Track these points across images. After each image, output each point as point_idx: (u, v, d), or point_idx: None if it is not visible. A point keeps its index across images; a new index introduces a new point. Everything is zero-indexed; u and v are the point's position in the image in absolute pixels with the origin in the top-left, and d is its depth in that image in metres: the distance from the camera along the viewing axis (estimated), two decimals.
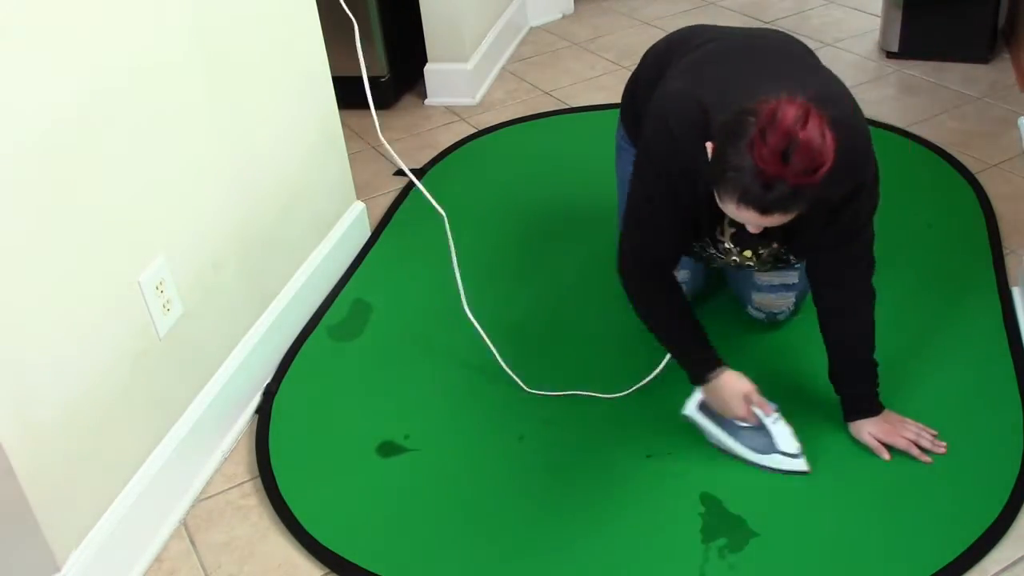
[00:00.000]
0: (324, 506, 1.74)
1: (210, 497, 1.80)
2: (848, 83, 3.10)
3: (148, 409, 1.68)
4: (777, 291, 1.98)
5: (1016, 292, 2.05)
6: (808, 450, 1.72)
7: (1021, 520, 1.60)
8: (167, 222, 1.70)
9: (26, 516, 1.43)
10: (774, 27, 3.55)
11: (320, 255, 2.25)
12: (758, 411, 1.69)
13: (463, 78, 3.16)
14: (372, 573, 1.61)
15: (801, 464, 1.69)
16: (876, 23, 3.41)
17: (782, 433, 1.69)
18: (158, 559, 1.68)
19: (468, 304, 1.99)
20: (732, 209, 1.44)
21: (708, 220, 1.69)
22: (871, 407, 1.75)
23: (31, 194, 1.38)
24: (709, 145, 1.48)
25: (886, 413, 1.75)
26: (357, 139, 2.96)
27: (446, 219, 1.89)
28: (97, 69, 1.50)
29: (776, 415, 1.69)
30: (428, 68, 3.19)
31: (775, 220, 1.44)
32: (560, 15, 3.84)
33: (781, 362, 1.96)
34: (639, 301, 1.78)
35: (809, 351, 1.97)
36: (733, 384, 1.71)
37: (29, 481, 1.41)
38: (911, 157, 2.63)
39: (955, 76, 3.05)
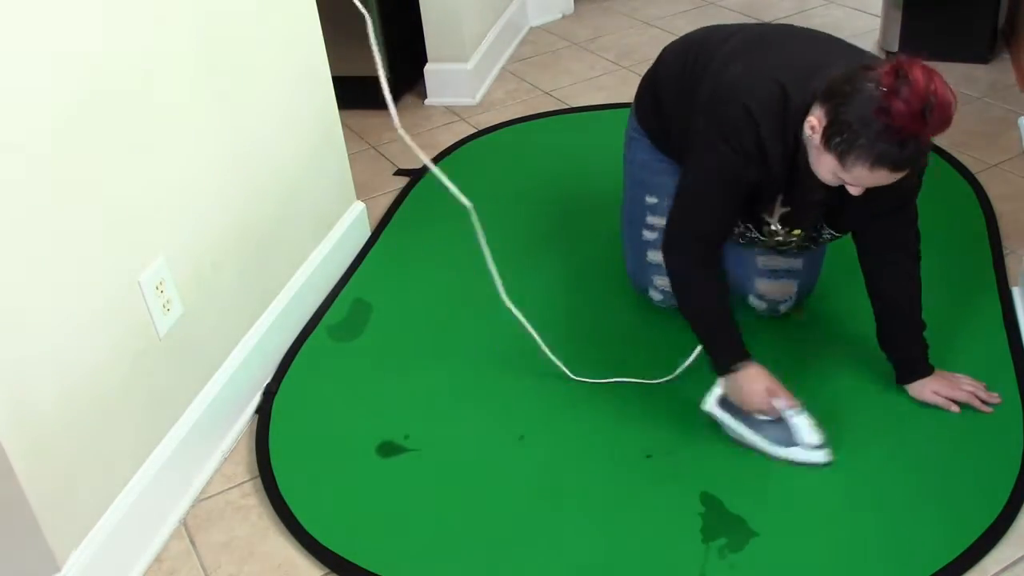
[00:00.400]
0: (324, 506, 1.74)
1: (210, 497, 1.80)
2: None
3: (148, 409, 1.68)
4: (781, 278, 1.98)
5: (1016, 292, 2.05)
6: None
7: (1021, 520, 1.60)
8: (167, 222, 1.70)
9: (26, 516, 1.43)
10: None
11: (320, 255, 2.25)
12: (779, 404, 1.70)
13: (463, 78, 3.16)
14: (372, 573, 1.61)
15: (823, 456, 1.70)
16: (876, 23, 3.41)
17: (804, 425, 1.69)
18: (158, 559, 1.68)
19: (468, 302, 1.98)
20: (863, 172, 1.48)
21: (767, 199, 1.73)
22: (926, 367, 1.79)
23: (31, 194, 1.38)
24: (813, 118, 1.52)
25: (938, 371, 1.80)
26: (357, 139, 2.96)
27: (473, 210, 1.87)
28: (97, 70, 1.50)
29: (799, 408, 1.70)
30: (428, 68, 3.19)
31: (898, 177, 1.49)
32: (560, 15, 3.84)
33: (783, 359, 1.96)
34: (681, 281, 1.79)
35: (811, 347, 1.98)
36: (757, 377, 1.72)
37: (29, 481, 1.41)
38: None
39: (955, 76, 3.05)
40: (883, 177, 1.48)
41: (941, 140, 2.68)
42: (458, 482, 1.76)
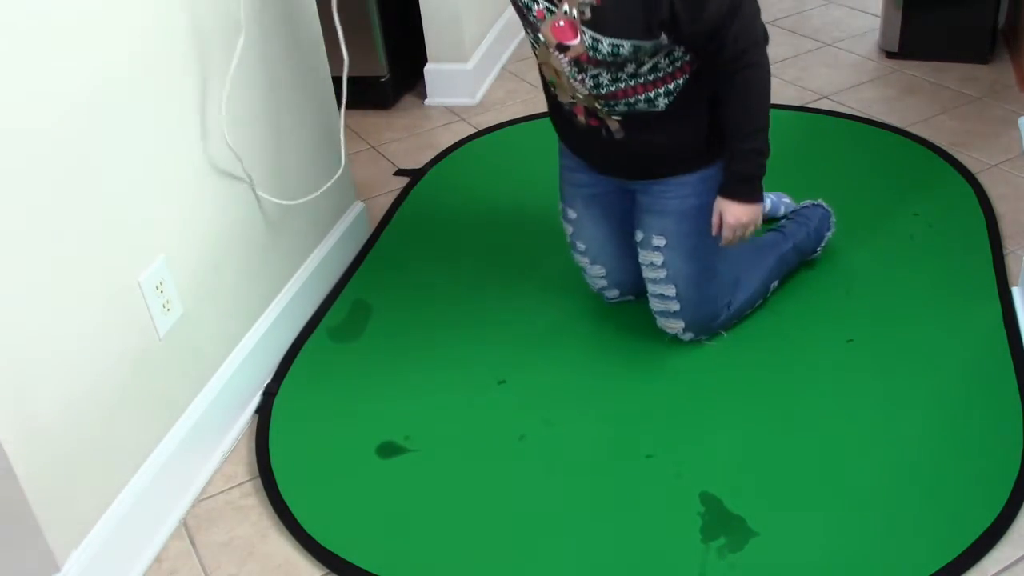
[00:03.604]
0: (324, 506, 1.74)
1: (210, 497, 1.80)
2: (848, 83, 3.09)
3: (148, 409, 1.68)
4: (665, 316, 1.98)
5: (1016, 292, 2.05)
6: (806, 449, 1.72)
7: (1021, 520, 1.60)
8: (167, 222, 1.70)
9: (26, 516, 1.43)
10: (774, 27, 3.56)
11: (320, 255, 2.25)
12: None
13: (463, 78, 3.16)
14: (372, 573, 1.61)
15: None
16: (876, 23, 3.41)
17: None
18: (158, 559, 1.68)
19: (468, 302, 1.98)
20: None
21: None
22: (747, 191, 1.81)
23: (31, 194, 1.39)
24: None
25: (757, 206, 1.82)
26: (357, 139, 2.96)
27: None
28: (97, 70, 1.50)
29: None
30: (428, 68, 3.19)
31: None
32: None
33: (782, 358, 1.96)
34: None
35: (808, 346, 1.98)
36: None
37: (29, 481, 1.41)
38: (911, 157, 2.63)
39: (955, 76, 3.05)
40: None
41: (941, 140, 2.69)
42: (458, 482, 1.76)
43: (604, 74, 1.74)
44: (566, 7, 1.69)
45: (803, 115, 2.88)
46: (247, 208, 1.94)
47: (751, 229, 1.85)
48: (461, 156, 2.85)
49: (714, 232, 1.86)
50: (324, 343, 2.14)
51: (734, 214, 1.83)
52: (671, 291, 1.94)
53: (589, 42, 1.70)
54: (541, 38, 1.77)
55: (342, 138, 2.16)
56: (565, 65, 1.77)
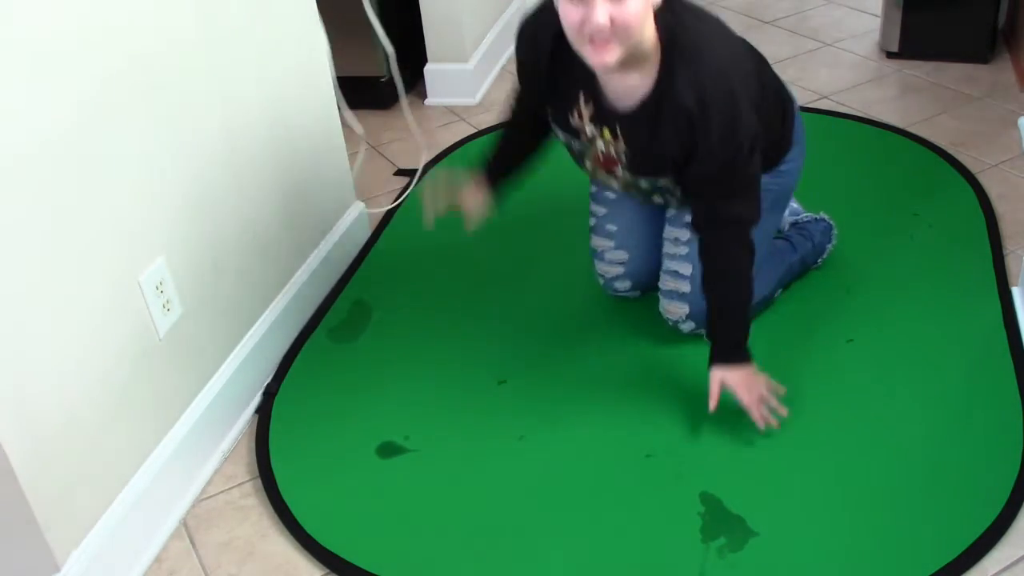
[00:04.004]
0: (324, 506, 1.74)
1: (210, 497, 1.80)
2: (848, 83, 3.08)
3: (148, 409, 1.68)
4: (671, 298, 1.98)
5: (1016, 292, 2.05)
6: (806, 449, 1.72)
7: (1021, 520, 1.60)
8: (167, 222, 1.70)
9: (26, 516, 1.43)
10: (774, 27, 3.56)
11: (320, 255, 2.25)
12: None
13: (463, 78, 3.16)
14: (372, 573, 1.61)
15: None
16: (876, 23, 3.41)
17: None
18: (158, 559, 1.68)
19: (468, 302, 1.98)
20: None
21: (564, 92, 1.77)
22: (736, 357, 1.79)
23: (31, 195, 1.38)
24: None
25: (750, 367, 1.79)
26: (357, 139, 2.96)
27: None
28: (97, 70, 1.50)
29: None
30: (428, 68, 3.19)
31: None
32: None
33: (781, 358, 1.96)
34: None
35: (808, 346, 1.98)
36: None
37: (29, 481, 1.41)
38: (911, 157, 2.63)
39: (955, 76, 3.05)
40: None
41: (941, 140, 2.69)
42: (458, 482, 1.76)
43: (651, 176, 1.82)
44: (601, 145, 1.78)
45: (803, 115, 2.86)
46: (247, 208, 1.94)
47: (764, 384, 1.78)
48: (461, 156, 2.85)
49: (712, 406, 1.77)
50: (324, 343, 2.14)
51: (741, 381, 1.77)
52: (687, 270, 1.93)
53: (629, 178, 1.83)
54: (588, 164, 1.88)
55: (357, 136, 2.16)
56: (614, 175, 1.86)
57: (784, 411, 1.77)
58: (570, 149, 1.88)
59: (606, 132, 1.76)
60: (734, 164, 1.68)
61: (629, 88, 1.68)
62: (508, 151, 2.00)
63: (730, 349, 1.78)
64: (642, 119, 1.68)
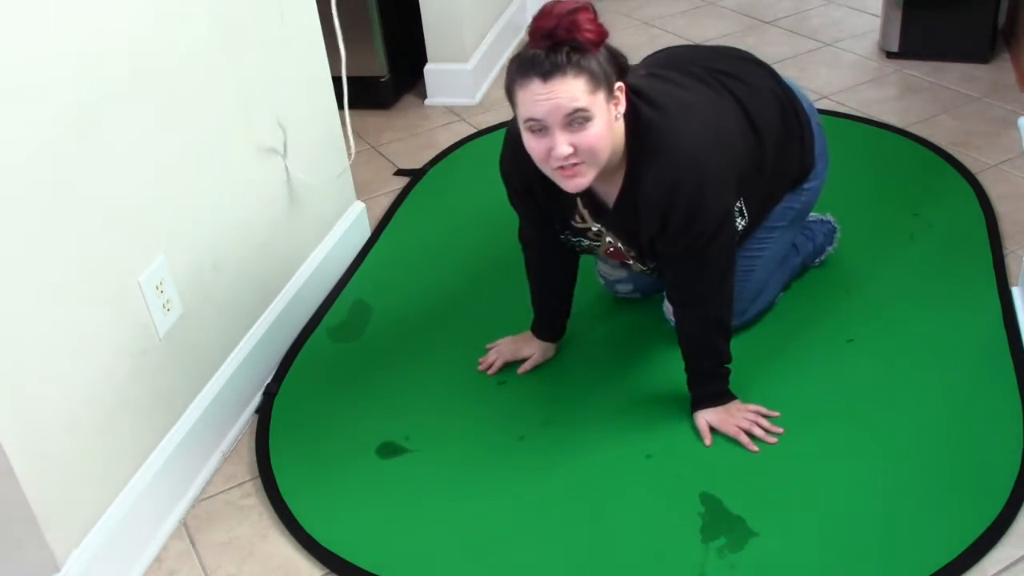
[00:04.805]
0: (324, 506, 1.74)
1: (210, 497, 1.80)
2: (848, 83, 3.08)
3: (148, 409, 1.68)
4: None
5: (1016, 292, 2.05)
6: (806, 450, 1.72)
7: (1021, 520, 1.60)
8: (167, 222, 1.70)
9: (26, 516, 1.43)
10: (774, 27, 3.56)
11: (320, 255, 2.25)
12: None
13: (463, 78, 3.16)
14: (372, 573, 1.61)
15: None
16: (876, 23, 3.41)
17: None
18: (158, 559, 1.68)
19: (468, 302, 1.98)
20: (524, 95, 1.50)
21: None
22: (715, 399, 1.81)
23: (32, 194, 1.38)
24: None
25: (730, 404, 1.81)
26: (357, 139, 2.96)
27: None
28: (97, 70, 1.50)
29: None
30: (428, 68, 3.19)
31: (561, 90, 1.48)
32: None
33: (780, 359, 1.96)
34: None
35: (808, 347, 1.98)
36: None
37: (29, 481, 1.41)
38: (911, 157, 2.63)
39: (955, 76, 3.05)
40: (538, 90, 1.48)
41: (941, 140, 2.69)
42: (458, 482, 1.76)
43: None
44: (609, 238, 1.79)
45: None
46: (247, 208, 1.94)
47: (749, 413, 1.80)
48: (461, 156, 2.85)
49: (707, 443, 1.78)
50: (324, 343, 2.13)
51: (725, 419, 1.79)
52: None
53: (640, 266, 1.86)
54: (601, 257, 1.91)
55: (350, 136, 2.16)
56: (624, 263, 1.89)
57: (778, 433, 1.78)
58: (583, 249, 1.88)
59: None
60: (698, 248, 1.69)
61: (608, 192, 1.69)
62: (544, 292, 1.98)
63: (708, 396, 1.82)
64: (626, 212, 1.69)
